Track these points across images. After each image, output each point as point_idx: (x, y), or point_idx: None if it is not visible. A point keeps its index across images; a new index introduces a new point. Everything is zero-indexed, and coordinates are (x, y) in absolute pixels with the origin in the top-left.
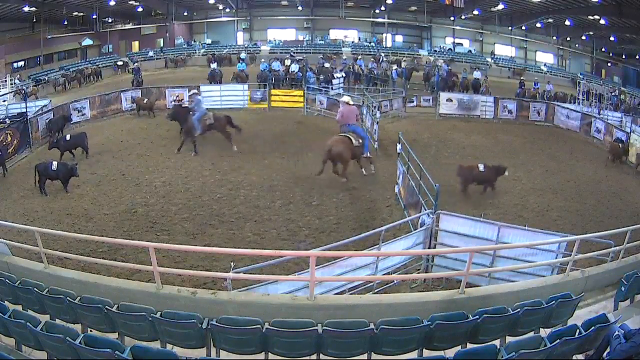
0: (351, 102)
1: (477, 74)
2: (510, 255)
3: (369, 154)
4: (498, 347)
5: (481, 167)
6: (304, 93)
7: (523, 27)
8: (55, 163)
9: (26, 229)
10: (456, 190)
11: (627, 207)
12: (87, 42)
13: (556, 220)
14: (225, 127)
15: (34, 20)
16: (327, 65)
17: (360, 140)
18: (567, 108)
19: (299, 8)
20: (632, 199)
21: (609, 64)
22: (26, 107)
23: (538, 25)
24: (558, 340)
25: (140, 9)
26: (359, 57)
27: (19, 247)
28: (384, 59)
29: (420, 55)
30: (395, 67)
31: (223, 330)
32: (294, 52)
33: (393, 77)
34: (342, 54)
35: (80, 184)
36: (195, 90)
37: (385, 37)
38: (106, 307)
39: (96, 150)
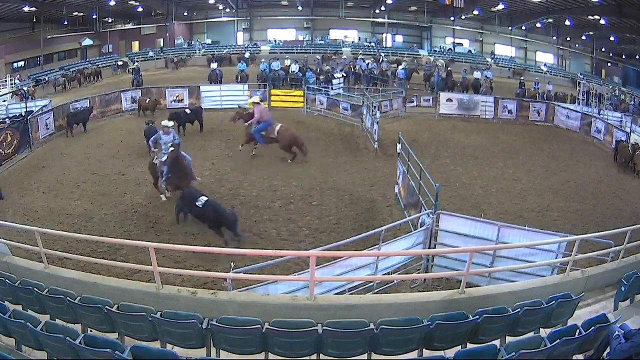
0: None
1: (478, 74)
2: (510, 255)
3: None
4: (498, 347)
5: None
6: (304, 93)
7: (523, 27)
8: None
9: (26, 229)
10: None
11: (627, 207)
12: (87, 42)
13: (556, 220)
14: None
15: (34, 20)
16: (326, 67)
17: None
18: (567, 108)
19: (299, 8)
20: (632, 199)
21: (609, 64)
22: (26, 107)
23: (538, 25)
24: (558, 340)
25: (140, 9)
26: (359, 57)
27: (19, 247)
28: (384, 59)
29: (420, 55)
30: (401, 67)
31: (223, 330)
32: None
33: (400, 76)
34: (341, 53)
35: (80, 184)
36: None
37: (385, 37)
38: (106, 307)
39: (96, 150)
